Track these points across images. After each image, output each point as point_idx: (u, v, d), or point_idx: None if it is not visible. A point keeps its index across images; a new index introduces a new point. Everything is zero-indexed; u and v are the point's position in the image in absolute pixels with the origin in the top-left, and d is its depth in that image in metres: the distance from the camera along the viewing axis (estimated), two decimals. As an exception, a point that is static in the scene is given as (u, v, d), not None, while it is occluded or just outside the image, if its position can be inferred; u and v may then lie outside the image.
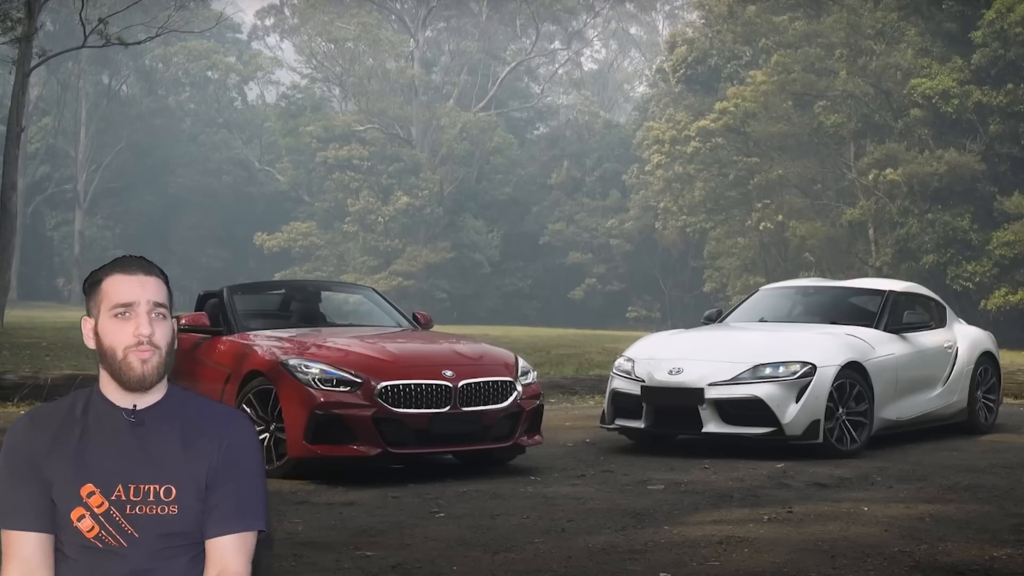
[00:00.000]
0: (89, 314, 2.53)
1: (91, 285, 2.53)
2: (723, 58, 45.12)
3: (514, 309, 53.66)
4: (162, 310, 2.50)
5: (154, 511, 2.44)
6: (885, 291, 10.71)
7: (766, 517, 6.43)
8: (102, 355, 2.49)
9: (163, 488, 2.45)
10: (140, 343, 2.45)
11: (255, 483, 2.53)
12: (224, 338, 8.77)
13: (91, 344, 2.53)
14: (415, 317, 9.70)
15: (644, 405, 9.31)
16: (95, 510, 2.43)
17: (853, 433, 9.18)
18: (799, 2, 39.54)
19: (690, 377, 9.11)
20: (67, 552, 2.44)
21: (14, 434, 2.49)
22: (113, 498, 2.43)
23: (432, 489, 7.46)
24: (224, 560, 2.46)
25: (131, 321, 2.47)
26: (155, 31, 29.51)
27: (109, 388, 2.51)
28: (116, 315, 2.47)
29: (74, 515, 2.43)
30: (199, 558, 2.50)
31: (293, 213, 57.29)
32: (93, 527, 2.43)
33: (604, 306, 52.80)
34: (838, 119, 37.47)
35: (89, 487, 2.43)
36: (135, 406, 2.49)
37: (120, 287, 2.48)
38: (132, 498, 2.43)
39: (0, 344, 19.01)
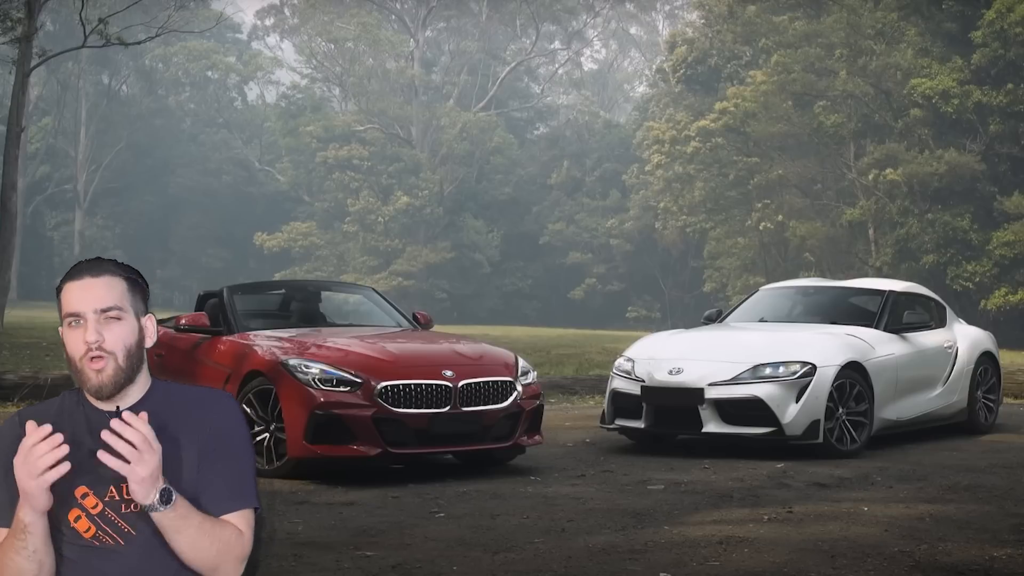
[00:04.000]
0: (60, 322, 2.53)
1: (57, 294, 2.52)
2: (723, 58, 45.12)
3: (514, 309, 53.66)
4: (113, 312, 2.44)
5: None
6: (885, 291, 10.71)
7: (766, 517, 6.43)
8: (68, 364, 2.49)
9: None
10: (89, 351, 2.42)
11: (245, 462, 2.53)
12: (224, 338, 8.77)
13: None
14: (415, 317, 9.70)
15: (644, 405, 9.31)
16: (90, 511, 2.43)
17: (853, 433, 9.18)
18: (799, 2, 39.53)
19: (690, 377, 9.11)
20: (65, 553, 2.44)
21: (3, 435, 2.49)
22: (107, 499, 2.43)
23: (432, 489, 7.46)
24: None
25: (80, 329, 2.44)
26: (155, 31, 29.52)
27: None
28: (70, 324, 2.45)
29: (71, 516, 2.43)
30: None
31: (293, 213, 57.29)
32: (90, 528, 2.43)
33: (604, 306, 52.80)
34: (838, 119, 37.47)
35: (83, 489, 2.43)
36: (118, 407, 2.47)
37: (70, 296, 2.46)
38: (126, 497, 2.42)
39: (0, 344, 19.01)
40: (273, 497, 7.01)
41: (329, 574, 5.17)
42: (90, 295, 2.44)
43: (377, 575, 5.16)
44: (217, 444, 2.50)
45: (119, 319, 2.45)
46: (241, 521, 2.49)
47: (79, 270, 2.49)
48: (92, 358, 2.41)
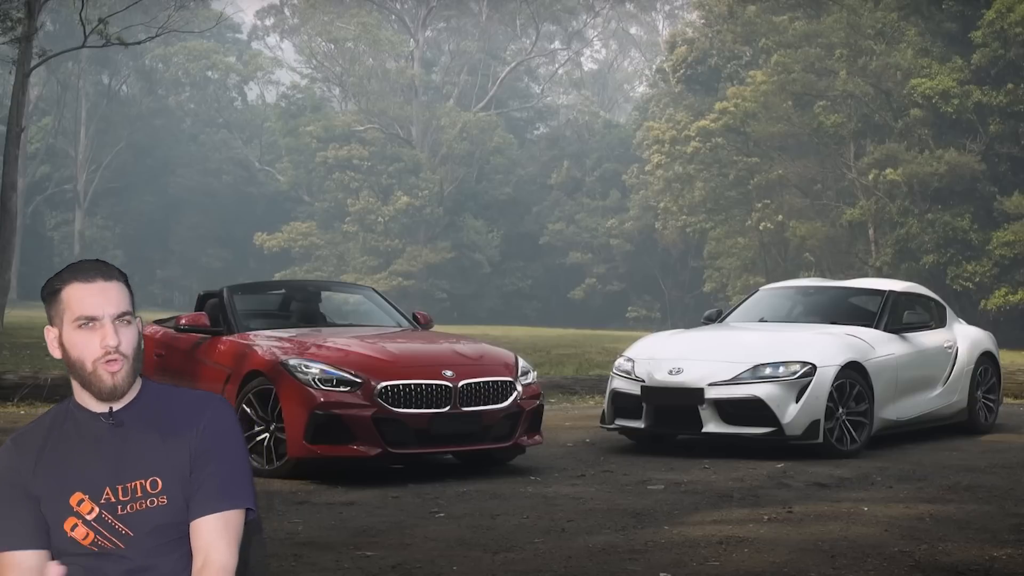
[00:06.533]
0: (51, 323, 2.49)
1: (50, 294, 2.48)
2: (723, 58, 45.12)
3: (514, 309, 53.65)
4: (127, 316, 2.46)
5: (144, 506, 2.43)
6: (885, 291, 10.71)
7: (766, 517, 6.43)
8: (70, 366, 2.46)
9: (149, 481, 2.44)
10: (108, 354, 2.42)
11: (237, 462, 2.51)
12: (224, 338, 8.77)
13: (57, 354, 2.49)
14: (415, 317, 9.70)
15: (644, 405, 9.30)
16: (86, 517, 2.42)
17: (853, 433, 9.18)
18: (799, 2, 39.52)
19: (690, 377, 9.11)
20: (64, 563, 2.44)
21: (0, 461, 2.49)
22: (102, 501, 2.43)
23: (432, 489, 7.46)
24: (208, 546, 2.42)
25: (97, 332, 2.42)
26: (155, 31, 29.56)
27: (84, 396, 2.49)
28: (80, 326, 2.43)
29: (67, 526, 2.42)
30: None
31: (293, 213, 57.31)
32: (88, 534, 2.42)
33: (604, 306, 52.79)
34: (838, 119, 37.46)
35: (78, 495, 2.42)
36: (111, 409, 2.48)
37: (82, 298, 2.43)
38: (121, 498, 2.43)
39: (0, 344, 19.01)
40: (273, 497, 7.01)
41: (329, 574, 5.16)
42: (106, 299, 2.44)
43: (377, 575, 5.16)
44: (209, 446, 2.48)
45: (130, 323, 2.47)
46: (227, 525, 2.45)
47: (86, 272, 2.46)
48: (109, 360, 2.42)
